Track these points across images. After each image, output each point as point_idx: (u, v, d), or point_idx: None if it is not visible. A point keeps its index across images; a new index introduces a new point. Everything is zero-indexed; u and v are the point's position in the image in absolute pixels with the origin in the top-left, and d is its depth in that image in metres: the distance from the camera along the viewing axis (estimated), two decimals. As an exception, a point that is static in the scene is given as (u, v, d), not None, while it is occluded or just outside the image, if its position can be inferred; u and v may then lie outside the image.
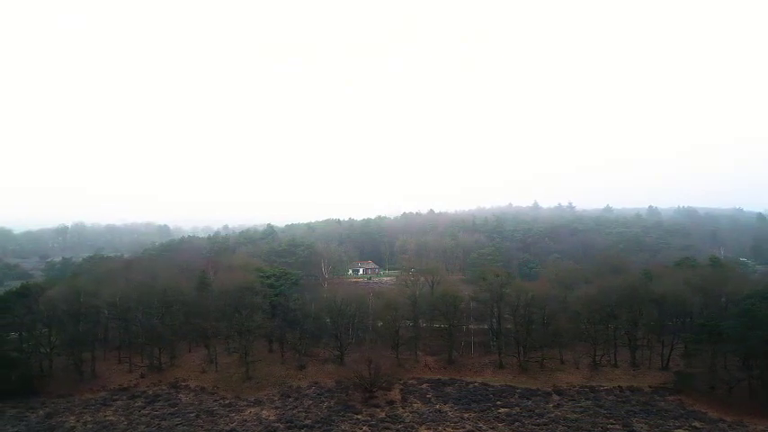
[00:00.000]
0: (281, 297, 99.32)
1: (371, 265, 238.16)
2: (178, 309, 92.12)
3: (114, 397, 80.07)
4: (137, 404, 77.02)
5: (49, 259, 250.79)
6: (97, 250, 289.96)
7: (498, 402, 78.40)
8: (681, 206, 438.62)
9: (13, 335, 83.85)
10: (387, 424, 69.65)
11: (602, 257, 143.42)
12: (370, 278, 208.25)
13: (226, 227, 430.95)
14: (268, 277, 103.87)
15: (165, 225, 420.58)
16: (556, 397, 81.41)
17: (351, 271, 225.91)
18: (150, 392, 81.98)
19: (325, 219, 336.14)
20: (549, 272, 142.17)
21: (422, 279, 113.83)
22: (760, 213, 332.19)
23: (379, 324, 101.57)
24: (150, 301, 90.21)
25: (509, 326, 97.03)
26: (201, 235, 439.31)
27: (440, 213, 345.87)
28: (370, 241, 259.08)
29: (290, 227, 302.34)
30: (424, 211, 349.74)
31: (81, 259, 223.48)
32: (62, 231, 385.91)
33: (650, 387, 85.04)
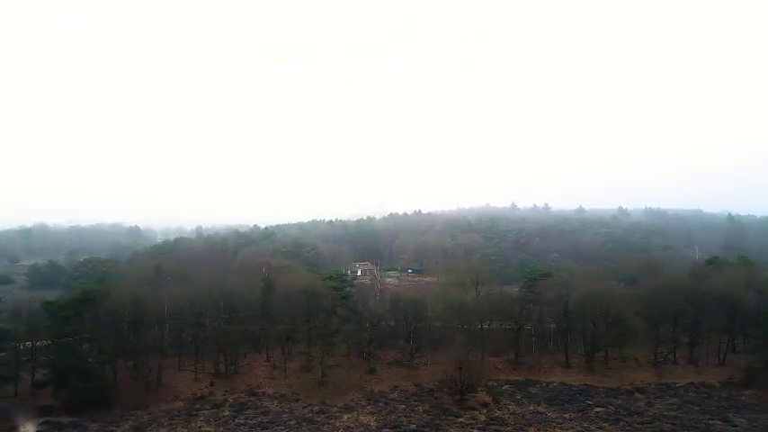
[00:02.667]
0: (349, 300, 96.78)
1: (369, 266, 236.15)
2: (246, 313, 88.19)
3: (195, 406, 76.00)
4: (225, 413, 73.35)
5: (18, 262, 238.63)
6: (70, 253, 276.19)
7: (588, 402, 78.89)
8: (648, 207, 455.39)
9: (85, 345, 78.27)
10: (496, 426, 69.01)
11: (635, 258, 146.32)
12: (371, 279, 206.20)
13: (199, 227, 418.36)
14: (330, 279, 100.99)
15: (136, 226, 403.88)
16: (639, 395, 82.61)
17: (349, 272, 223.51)
18: (231, 400, 78.33)
19: (310, 219, 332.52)
20: (564, 271, 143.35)
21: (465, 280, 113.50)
22: (730, 214, 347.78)
23: (438, 325, 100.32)
24: (216, 305, 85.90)
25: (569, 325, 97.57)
26: (173, 236, 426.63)
27: (428, 214, 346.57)
28: (365, 242, 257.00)
29: (279, 228, 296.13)
30: (410, 211, 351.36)
31: (59, 261, 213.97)
32: (25, 233, 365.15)
33: (719, 383, 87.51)
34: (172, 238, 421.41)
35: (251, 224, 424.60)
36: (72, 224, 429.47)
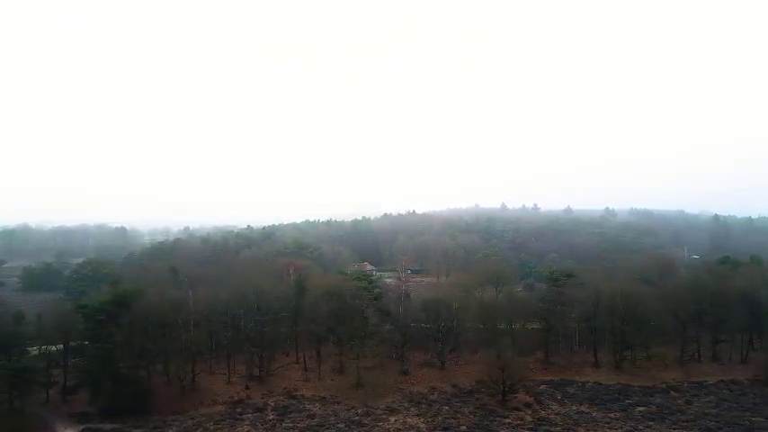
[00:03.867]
0: (380, 300, 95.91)
1: (368, 266, 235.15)
2: (280, 315, 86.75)
3: (236, 410, 74.36)
4: (269, 417, 71.91)
5: (4, 264, 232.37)
6: (58, 255, 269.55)
7: (628, 401, 79.51)
8: (633, 208, 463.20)
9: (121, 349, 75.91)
10: (546, 427, 69.07)
11: (647, 257, 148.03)
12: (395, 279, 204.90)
13: (187, 228, 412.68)
14: (358, 279, 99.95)
15: (122, 227, 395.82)
16: (674, 394, 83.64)
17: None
18: (271, 404, 76.85)
19: (304, 220, 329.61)
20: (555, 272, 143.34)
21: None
22: (716, 215, 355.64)
23: (467, 326, 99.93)
24: (250, 306, 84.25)
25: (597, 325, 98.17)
26: (159, 238, 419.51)
27: (423, 214, 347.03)
28: (362, 242, 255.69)
29: (273, 228, 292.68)
30: (403, 211, 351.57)
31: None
32: (7, 234, 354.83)
33: (747, 380, 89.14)
34: (158, 239, 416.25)
35: (241, 224, 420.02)
36: (55, 225, 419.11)
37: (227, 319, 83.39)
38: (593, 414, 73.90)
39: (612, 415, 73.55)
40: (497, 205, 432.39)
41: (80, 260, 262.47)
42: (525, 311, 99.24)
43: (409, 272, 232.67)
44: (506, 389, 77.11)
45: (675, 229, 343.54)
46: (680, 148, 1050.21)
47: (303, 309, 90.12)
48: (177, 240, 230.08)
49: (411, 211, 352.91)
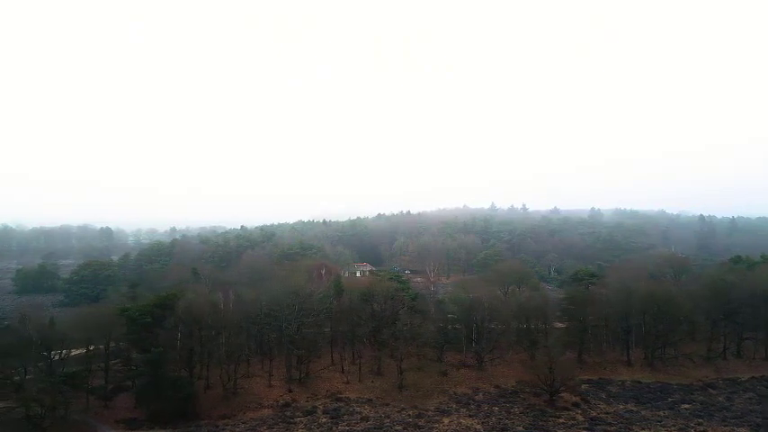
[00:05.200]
0: (418, 300, 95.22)
1: (368, 267, 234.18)
2: (323, 317, 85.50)
3: (285, 414, 72.98)
4: (322, 420, 70.70)
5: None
6: (46, 257, 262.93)
7: (670, 399, 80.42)
8: (618, 208, 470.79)
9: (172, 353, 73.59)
10: (603, 426, 69.14)
11: (662, 257, 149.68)
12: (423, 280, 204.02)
13: (173, 229, 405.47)
14: (391, 280, 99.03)
15: (108, 227, 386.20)
16: (712, 391, 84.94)
17: (347, 273, 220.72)
18: (320, 407, 75.56)
19: (296, 219, 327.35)
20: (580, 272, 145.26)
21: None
22: (701, 215, 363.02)
23: (492, 326, 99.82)
24: (291, 308, 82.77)
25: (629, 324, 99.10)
26: (145, 238, 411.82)
27: (418, 214, 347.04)
28: (360, 242, 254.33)
29: (271, 228, 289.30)
30: (396, 211, 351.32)
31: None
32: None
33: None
34: (144, 239, 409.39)
35: (228, 223, 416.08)
36: (34, 225, 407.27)
37: (271, 321, 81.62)
38: (643, 413, 74.51)
39: (661, 413, 74.30)
40: (486, 206, 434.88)
41: (68, 261, 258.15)
42: (559, 311, 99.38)
43: (408, 272, 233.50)
44: (554, 389, 77.25)
45: (663, 228, 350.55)
46: (662, 150, 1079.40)
47: (343, 310, 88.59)
48: (175, 241, 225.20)
49: (405, 211, 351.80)
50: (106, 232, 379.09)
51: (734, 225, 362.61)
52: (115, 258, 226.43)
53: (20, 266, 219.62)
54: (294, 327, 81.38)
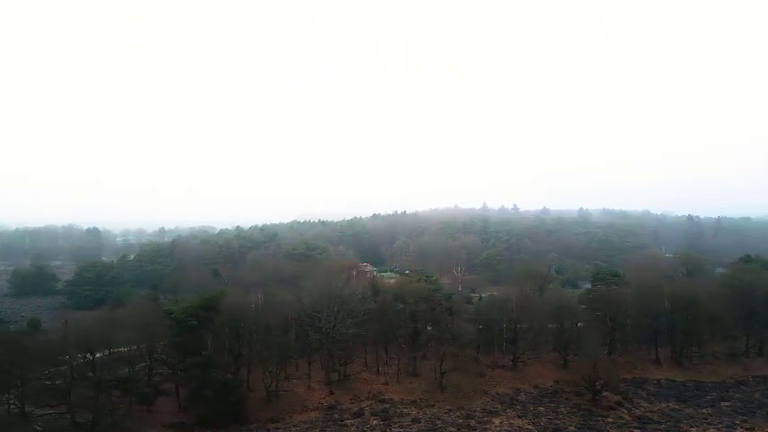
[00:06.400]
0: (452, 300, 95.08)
1: (369, 267, 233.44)
2: (362, 318, 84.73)
3: (333, 416, 72.12)
4: (373, 422, 69.95)
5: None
6: (36, 257, 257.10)
7: (708, 397, 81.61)
8: (605, 208, 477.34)
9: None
10: (653, 425, 69.76)
11: (680, 258, 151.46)
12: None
13: (162, 229, 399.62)
14: (421, 281, 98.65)
15: (95, 228, 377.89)
16: (745, 388, 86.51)
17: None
18: (367, 408, 74.84)
19: (293, 219, 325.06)
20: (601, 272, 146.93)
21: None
22: (689, 215, 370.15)
23: (527, 326, 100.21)
24: (331, 309, 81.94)
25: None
26: (132, 239, 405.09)
27: (414, 214, 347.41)
28: (359, 242, 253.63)
29: (267, 228, 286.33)
30: (390, 211, 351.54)
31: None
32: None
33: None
34: (132, 240, 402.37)
35: (219, 224, 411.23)
36: (20, 226, 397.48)
37: (314, 321, 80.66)
38: (686, 411, 75.43)
39: (704, 411, 75.30)
40: (477, 206, 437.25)
41: (58, 263, 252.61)
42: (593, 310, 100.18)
43: (408, 272, 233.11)
44: (597, 388, 77.74)
45: (652, 228, 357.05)
46: (662, 150, 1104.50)
47: (384, 311, 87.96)
48: (175, 242, 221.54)
49: (401, 211, 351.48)
50: (93, 233, 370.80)
51: (719, 225, 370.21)
52: (105, 259, 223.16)
53: (11, 267, 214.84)
54: (335, 327, 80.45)
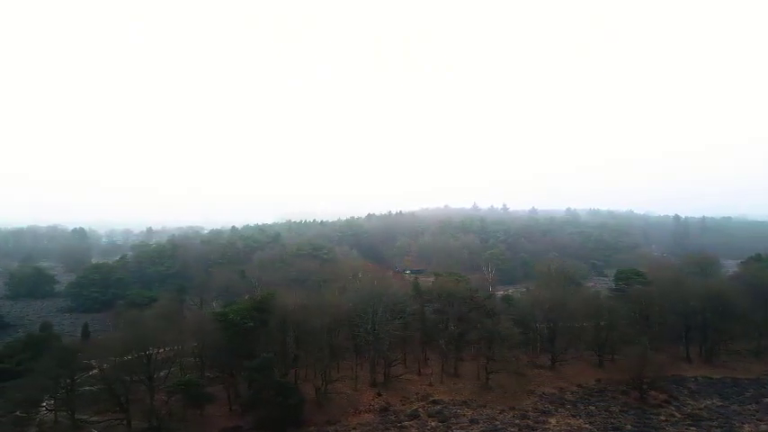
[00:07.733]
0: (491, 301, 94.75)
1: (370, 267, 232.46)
2: (408, 319, 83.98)
3: (389, 418, 71.14)
4: (432, 424, 69.27)
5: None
6: (25, 259, 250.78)
7: (747, 394, 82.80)
8: (592, 209, 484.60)
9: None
10: (706, 422, 70.37)
11: (690, 256, 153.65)
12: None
13: (149, 229, 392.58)
14: (456, 281, 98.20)
15: (81, 228, 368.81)
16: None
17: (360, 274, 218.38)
18: (421, 410, 74.00)
19: (286, 219, 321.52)
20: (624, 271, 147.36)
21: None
22: (677, 215, 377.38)
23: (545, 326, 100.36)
24: (376, 308, 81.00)
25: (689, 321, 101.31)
26: (119, 239, 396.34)
27: (411, 213, 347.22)
28: (359, 242, 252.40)
29: (268, 227, 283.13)
30: (384, 211, 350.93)
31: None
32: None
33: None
34: (118, 240, 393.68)
35: (211, 224, 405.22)
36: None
37: (363, 323, 79.63)
38: (733, 407, 76.41)
39: (749, 407, 76.40)
40: (467, 206, 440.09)
41: (48, 264, 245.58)
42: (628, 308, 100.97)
43: (407, 272, 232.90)
44: (647, 386, 78.31)
45: (641, 229, 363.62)
46: (662, 150, 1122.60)
47: (434, 311, 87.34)
48: (175, 242, 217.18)
49: (396, 211, 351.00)
50: (79, 233, 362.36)
51: (704, 225, 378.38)
52: (94, 260, 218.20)
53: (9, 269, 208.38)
54: (382, 329, 79.58)
